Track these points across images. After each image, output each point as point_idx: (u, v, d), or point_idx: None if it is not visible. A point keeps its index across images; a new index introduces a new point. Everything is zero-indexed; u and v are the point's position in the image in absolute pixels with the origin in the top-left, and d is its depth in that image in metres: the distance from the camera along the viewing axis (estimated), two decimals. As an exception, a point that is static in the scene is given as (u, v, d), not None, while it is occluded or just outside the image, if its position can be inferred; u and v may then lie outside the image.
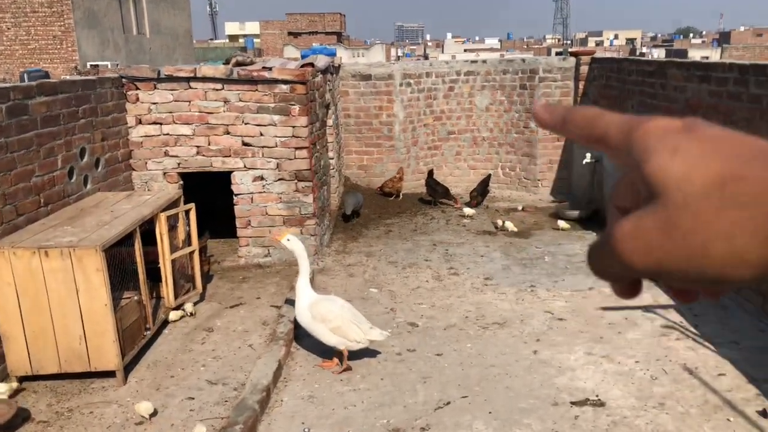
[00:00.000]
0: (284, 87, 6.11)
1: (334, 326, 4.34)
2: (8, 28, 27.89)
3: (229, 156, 6.29)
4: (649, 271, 0.38)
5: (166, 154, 6.29)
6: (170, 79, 6.09)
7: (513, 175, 9.96)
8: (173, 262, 5.31)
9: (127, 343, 4.35)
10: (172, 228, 5.43)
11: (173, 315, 5.19)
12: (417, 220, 8.33)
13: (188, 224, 5.49)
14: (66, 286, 4.00)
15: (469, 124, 9.99)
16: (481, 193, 9.01)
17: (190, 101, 6.16)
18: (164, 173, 6.34)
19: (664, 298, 5.25)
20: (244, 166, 6.32)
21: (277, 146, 6.26)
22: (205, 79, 6.09)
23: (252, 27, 69.11)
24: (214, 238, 7.20)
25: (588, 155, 8.58)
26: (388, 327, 5.06)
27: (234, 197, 6.42)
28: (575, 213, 8.48)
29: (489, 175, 9.27)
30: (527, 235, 7.66)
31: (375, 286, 6.01)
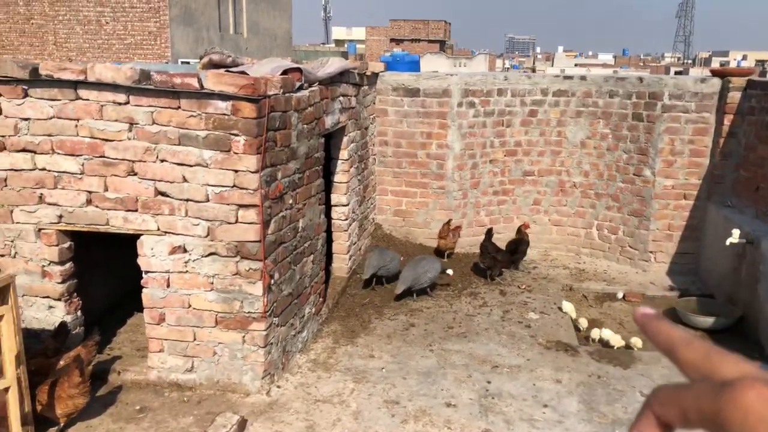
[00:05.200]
0: (222, 105, 3.62)
1: None
2: (107, 23, 27.69)
3: (135, 210, 3.88)
4: None
5: (41, 199, 3.98)
6: (50, 82, 3.76)
7: (613, 241, 7.00)
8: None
9: None
10: (-24, 344, 3.07)
11: None
12: (459, 307, 5.60)
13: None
14: None
15: (555, 164, 7.14)
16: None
17: (78, 120, 3.81)
18: (38, 230, 4.03)
19: None
20: (158, 229, 3.88)
21: (208, 200, 3.79)
22: (100, 86, 3.72)
23: (359, 32, 68.24)
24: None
25: (736, 232, 5.54)
26: None
27: (143, 275, 4.00)
28: (709, 321, 5.46)
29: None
30: (628, 359, 4.75)
31: (337, 468, 3.39)
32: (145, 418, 3.79)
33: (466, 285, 6.12)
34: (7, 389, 3.07)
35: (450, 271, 5.98)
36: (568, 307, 5.52)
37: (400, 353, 4.69)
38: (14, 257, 4.09)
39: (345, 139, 5.57)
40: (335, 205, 5.73)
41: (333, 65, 5.11)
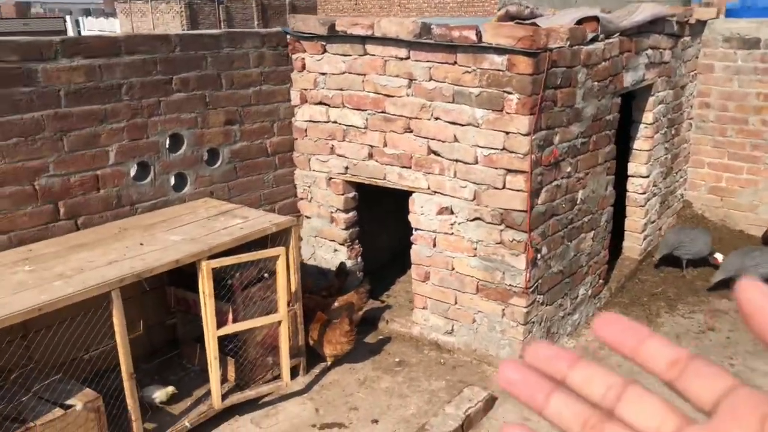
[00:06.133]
0: (497, 60, 3.34)
1: None
2: (442, -19, 29.39)
3: (409, 168, 3.89)
4: None
5: (332, 150, 4.24)
6: (343, 37, 3.94)
7: None
8: (251, 333, 3.36)
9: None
10: (259, 280, 3.43)
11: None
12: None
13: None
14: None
15: None
16: None
17: (364, 75, 3.92)
18: (329, 179, 4.32)
19: None
20: (428, 188, 3.84)
21: (477, 162, 3.58)
22: (385, 41, 3.75)
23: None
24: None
25: None
26: None
27: (412, 232, 4.03)
28: None
29: None
30: None
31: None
32: (401, 371, 3.86)
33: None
34: (280, 323, 3.38)
35: None
36: None
37: (689, 358, 3.95)
38: (310, 201, 4.48)
39: (651, 100, 4.81)
40: (632, 176, 5.04)
41: (643, 12, 4.39)
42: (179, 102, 3.64)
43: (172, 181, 3.73)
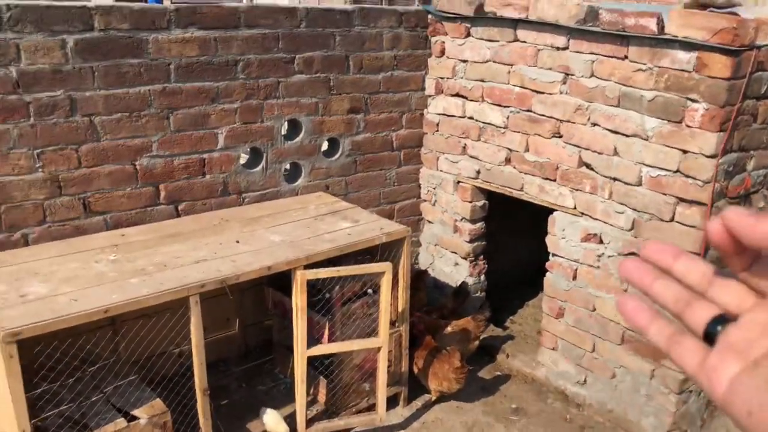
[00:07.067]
0: (682, 57, 2.60)
1: None
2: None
3: (553, 180, 3.24)
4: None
5: (464, 150, 3.69)
6: (491, 19, 3.35)
7: None
8: (348, 353, 2.96)
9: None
10: (363, 294, 3.00)
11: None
12: None
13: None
14: None
15: None
16: None
17: (511, 65, 3.32)
18: (457, 182, 3.78)
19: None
20: (574, 207, 3.17)
21: (640, 184, 2.87)
22: (540, 26, 3.12)
23: None
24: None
25: None
26: None
27: (549, 256, 3.39)
28: None
29: None
30: None
31: None
32: (517, 422, 3.27)
33: None
34: (379, 348, 2.93)
35: None
36: None
37: None
38: (434, 205, 3.99)
39: None
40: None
41: None
42: (300, 84, 3.28)
43: (285, 171, 3.40)
